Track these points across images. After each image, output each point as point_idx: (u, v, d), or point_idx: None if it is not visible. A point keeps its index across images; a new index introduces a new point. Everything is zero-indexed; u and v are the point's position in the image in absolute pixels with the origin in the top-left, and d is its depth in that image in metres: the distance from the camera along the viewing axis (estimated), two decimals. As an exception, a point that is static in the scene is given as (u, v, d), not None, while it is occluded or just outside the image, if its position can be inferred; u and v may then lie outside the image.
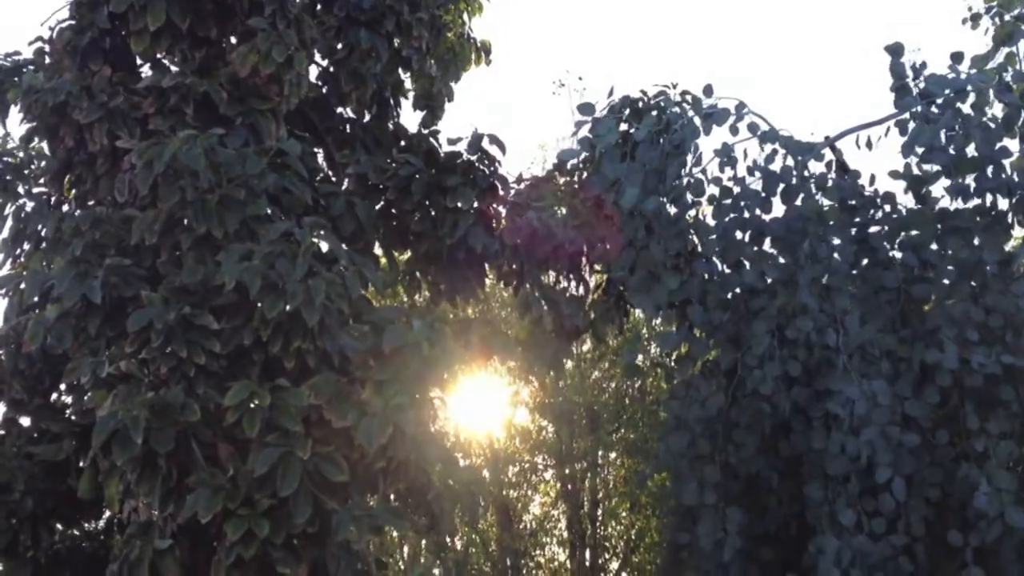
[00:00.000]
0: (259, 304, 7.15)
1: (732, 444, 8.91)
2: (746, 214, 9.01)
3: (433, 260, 9.86)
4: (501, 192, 9.89)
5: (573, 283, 10.37)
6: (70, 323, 7.41)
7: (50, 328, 7.41)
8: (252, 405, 6.93)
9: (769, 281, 9.06)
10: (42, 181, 9.24)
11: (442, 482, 7.21)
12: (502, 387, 19.14)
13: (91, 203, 8.45)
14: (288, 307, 7.01)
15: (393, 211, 9.83)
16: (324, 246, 7.78)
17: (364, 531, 6.75)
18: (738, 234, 9.07)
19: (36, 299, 7.78)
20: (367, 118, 10.34)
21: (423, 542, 19.49)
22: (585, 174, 10.30)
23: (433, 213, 9.63)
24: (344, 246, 8.91)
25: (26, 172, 9.15)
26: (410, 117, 10.83)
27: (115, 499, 7.31)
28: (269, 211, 7.72)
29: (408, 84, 10.70)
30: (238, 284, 7.14)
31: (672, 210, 9.05)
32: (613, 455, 19.36)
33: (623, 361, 9.88)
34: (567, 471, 18.95)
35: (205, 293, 7.41)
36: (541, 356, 10.34)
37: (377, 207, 9.74)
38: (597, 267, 10.58)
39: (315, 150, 9.66)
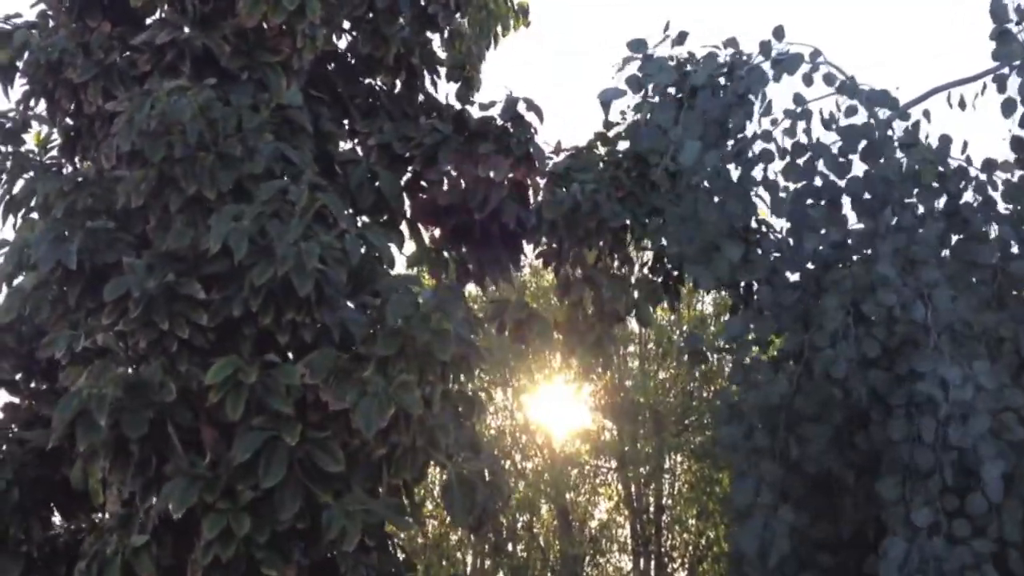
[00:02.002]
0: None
1: (795, 437, 7.80)
2: (818, 180, 7.91)
3: (462, 237, 8.95)
4: (538, 162, 8.97)
5: (617, 262, 9.40)
6: (48, 293, 6.65)
7: (26, 298, 6.66)
8: (238, 383, 6.06)
9: (844, 251, 7.95)
10: (54, 150, 8.52)
11: (454, 473, 6.25)
12: (562, 384, 18.23)
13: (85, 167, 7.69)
14: (278, 273, 6.14)
15: (419, 183, 8.95)
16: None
17: (357, 528, 5.85)
18: (810, 201, 7.97)
19: (12, 269, 7.01)
20: (397, 88, 9.46)
21: (485, 547, 18.62)
22: (627, 143, 9.26)
23: (463, 185, 8.73)
24: (363, 218, 8.11)
25: (23, 136, 8.39)
26: (445, 92, 9.92)
27: (98, 489, 6.54)
28: (272, 171, 6.87)
29: (440, 54, 9.80)
30: (227, 249, 6.30)
31: (735, 169, 7.97)
32: (679, 458, 18.30)
33: (687, 347, 8.81)
34: (630, 475, 17.93)
35: (195, 260, 6.59)
36: (582, 342, 9.35)
37: (402, 180, 8.89)
38: (645, 243, 9.56)
39: (338, 120, 8.80)
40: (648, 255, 9.61)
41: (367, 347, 6.38)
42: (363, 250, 6.61)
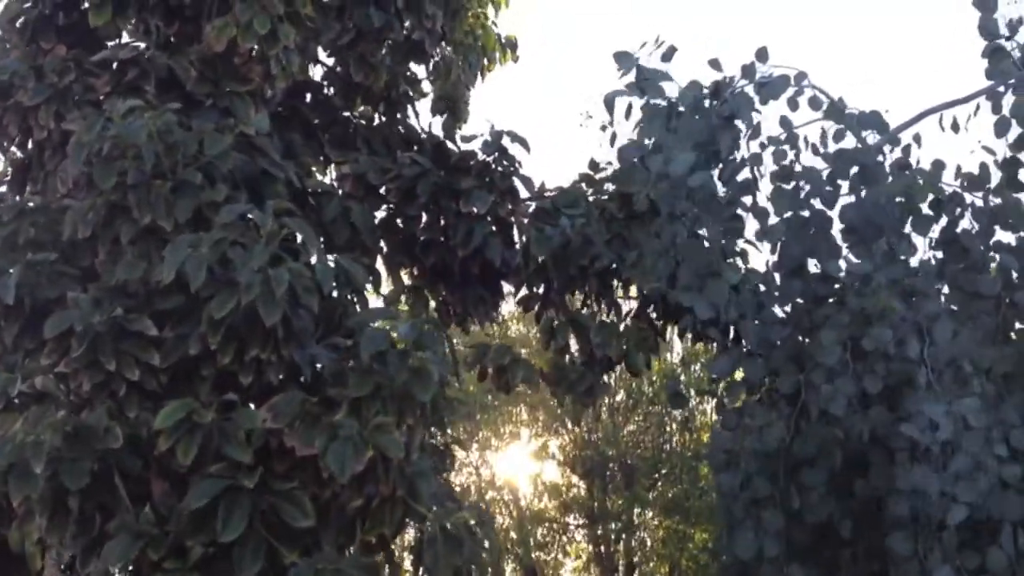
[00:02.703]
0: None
1: (796, 484, 7.06)
2: (806, 211, 7.27)
3: (443, 275, 8.24)
4: (524, 196, 8.29)
5: (604, 307, 8.69)
6: (-18, 332, 5.82)
7: (-41, 338, 5.84)
8: (192, 427, 5.25)
9: (837, 287, 7.28)
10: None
11: (437, 525, 5.44)
12: (528, 438, 17.43)
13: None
14: (242, 303, 5.36)
15: (397, 220, 8.24)
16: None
17: None
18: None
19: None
20: (376, 121, 8.78)
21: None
22: (614, 180, 8.59)
23: (443, 220, 8.03)
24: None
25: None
26: (429, 123, 9.26)
27: (35, 553, 5.65)
28: (234, 200, 6.11)
29: (425, 86, 9.16)
30: (182, 282, 5.53)
31: (723, 193, 7.31)
32: (650, 514, 17.47)
33: (666, 391, 8.06)
34: (600, 531, 17.08)
35: (147, 295, 5.82)
36: (572, 391, 8.59)
37: (379, 215, 8.18)
38: (631, 290, 8.85)
39: (312, 152, 8.09)
40: (634, 303, 8.90)
41: (339, 389, 5.59)
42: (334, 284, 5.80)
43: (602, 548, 17.21)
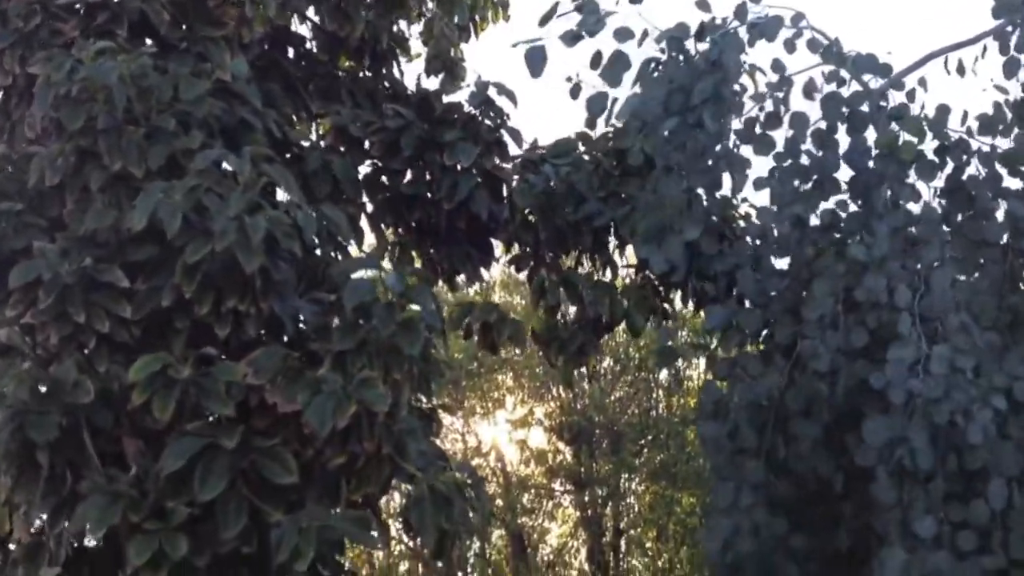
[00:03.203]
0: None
1: (785, 437, 6.82)
2: (805, 158, 6.97)
3: (428, 232, 7.92)
4: (514, 154, 7.98)
5: (599, 266, 8.38)
6: (-56, 285, 5.48)
7: (-80, 292, 5.49)
8: (168, 381, 4.95)
9: (838, 236, 7.01)
10: None
11: (425, 485, 5.16)
12: (513, 404, 17.18)
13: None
14: (217, 249, 5.05)
15: (380, 175, 7.92)
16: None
17: (311, 546, 4.74)
18: (796, 181, 7.02)
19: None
20: (361, 76, 8.42)
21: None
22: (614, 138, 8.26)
23: (428, 175, 7.71)
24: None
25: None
26: (421, 81, 8.89)
27: (2, 515, 5.35)
28: (210, 147, 5.77)
29: (416, 46, 8.80)
30: (155, 231, 5.21)
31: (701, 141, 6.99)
32: (637, 480, 17.27)
33: (656, 345, 7.76)
34: (587, 497, 16.87)
35: (119, 245, 5.49)
36: (563, 351, 8.30)
37: (363, 171, 7.85)
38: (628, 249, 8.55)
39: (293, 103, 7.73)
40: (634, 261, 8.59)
41: (322, 344, 5.29)
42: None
43: (589, 513, 17.01)
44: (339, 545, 4.99)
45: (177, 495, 4.82)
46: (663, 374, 17.72)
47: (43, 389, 4.98)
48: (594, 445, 16.98)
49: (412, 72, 8.96)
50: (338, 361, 5.17)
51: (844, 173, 7.13)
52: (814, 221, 7.27)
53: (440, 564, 17.22)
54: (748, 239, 7.39)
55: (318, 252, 5.90)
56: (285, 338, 5.49)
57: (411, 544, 17.14)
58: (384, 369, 5.22)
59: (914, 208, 6.87)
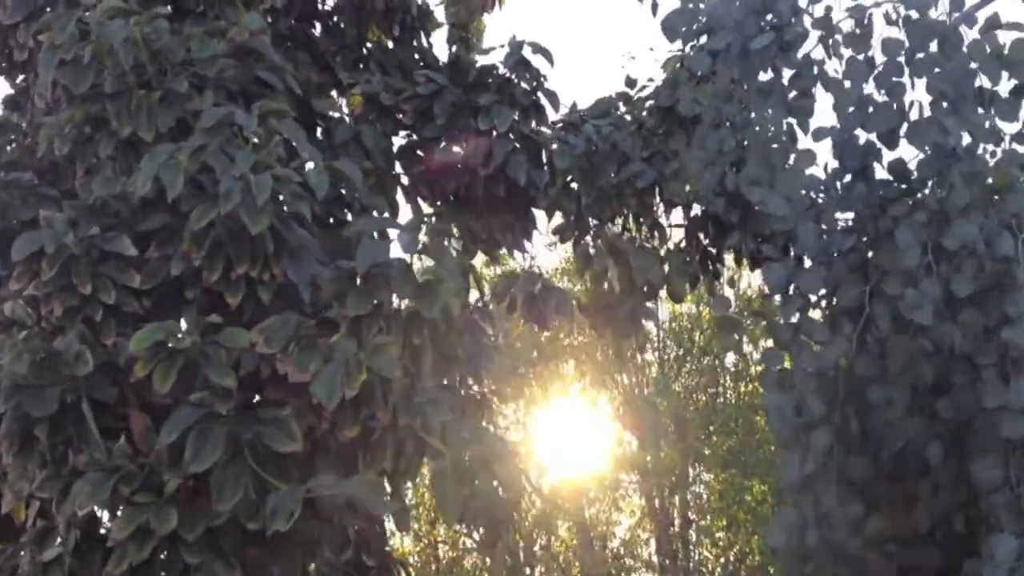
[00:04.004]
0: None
1: (856, 408, 6.24)
2: (877, 92, 6.36)
3: (466, 201, 7.55)
4: (552, 119, 7.58)
5: (646, 231, 7.95)
6: (-49, 259, 5.26)
7: (-73, 267, 5.29)
8: (172, 352, 4.65)
9: (905, 187, 6.44)
10: None
11: (449, 459, 4.80)
12: (576, 393, 16.77)
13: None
14: (222, 212, 4.74)
15: (414, 147, 7.57)
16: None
17: (297, 504, 4.39)
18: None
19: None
20: (390, 47, 8.11)
21: (503, 572, 17.06)
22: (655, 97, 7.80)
23: (464, 142, 7.35)
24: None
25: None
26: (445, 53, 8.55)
27: (19, 504, 5.09)
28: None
29: (440, 15, 8.47)
30: (164, 195, 4.92)
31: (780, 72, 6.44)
32: (704, 467, 16.76)
33: (714, 312, 7.23)
34: (654, 487, 16.41)
35: (129, 215, 5.21)
36: (612, 319, 7.85)
37: (396, 143, 7.51)
38: (673, 213, 8.10)
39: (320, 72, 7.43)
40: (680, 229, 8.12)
41: (339, 310, 4.94)
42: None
43: (656, 503, 16.55)
44: (346, 509, 4.60)
45: (174, 468, 4.52)
46: (729, 359, 17.20)
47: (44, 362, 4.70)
48: (660, 433, 16.52)
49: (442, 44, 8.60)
50: (353, 327, 4.83)
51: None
52: (880, 174, 6.72)
53: (508, 559, 16.88)
54: (808, 193, 6.85)
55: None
56: (303, 307, 5.15)
57: (475, 539, 16.84)
58: (403, 335, 4.85)
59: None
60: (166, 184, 4.82)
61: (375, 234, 5.10)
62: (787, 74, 6.66)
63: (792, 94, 6.67)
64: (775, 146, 6.72)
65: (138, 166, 5.14)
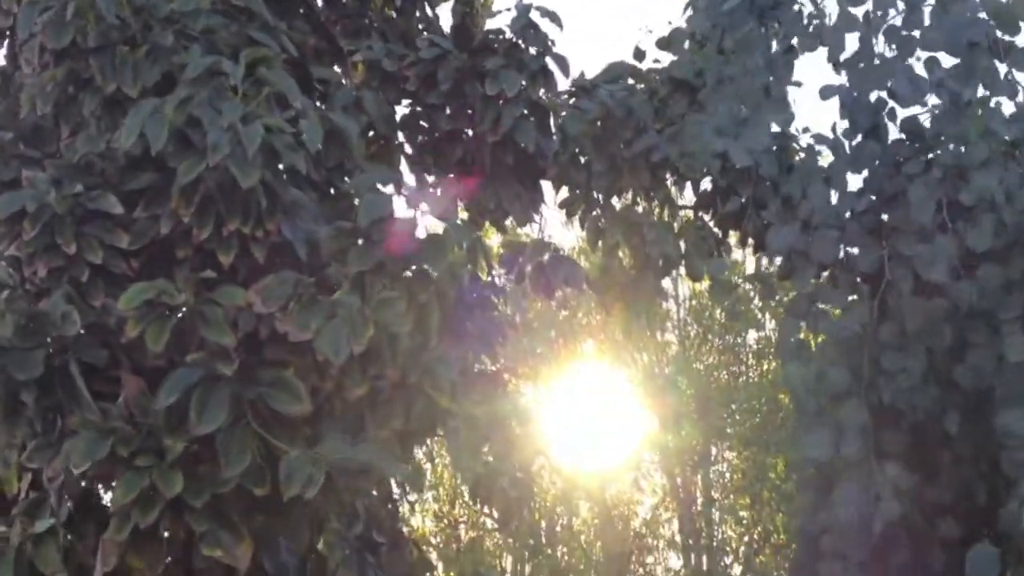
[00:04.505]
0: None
1: (884, 374, 5.93)
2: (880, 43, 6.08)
3: (472, 170, 7.27)
4: (559, 80, 7.29)
5: (657, 205, 7.65)
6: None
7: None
8: (165, 310, 4.41)
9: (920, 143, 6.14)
10: None
11: (461, 417, 4.54)
12: (594, 371, 16.48)
13: None
14: (210, 165, 4.48)
15: (418, 117, 7.30)
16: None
17: (321, 472, 4.14)
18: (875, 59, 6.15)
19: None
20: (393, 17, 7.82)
21: (525, 553, 16.85)
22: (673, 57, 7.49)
23: (469, 109, 7.08)
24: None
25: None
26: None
27: (12, 476, 4.86)
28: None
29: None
30: (150, 153, 4.68)
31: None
32: (727, 446, 16.47)
33: (710, 275, 6.89)
34: (676, 465, 16.12)
35: (117, 174, 4.97)
36: (624, 296, 7.56)
37: (399, 112, 7.24)
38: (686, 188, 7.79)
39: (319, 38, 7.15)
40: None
41: (339, 268, 4.69)
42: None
43: (678, 482, 16.26)
44: (360, 475, 4.34)
45: (176, 431, 4.27)
46: (751, 336, 16.91)
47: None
48: (681, 411, 16.24)
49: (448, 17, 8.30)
50: (356, 284, 4.57)
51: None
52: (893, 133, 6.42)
53: (531, 541, 16.65)
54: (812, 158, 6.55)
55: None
56: (299, 266, 4.90)
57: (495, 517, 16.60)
58: (408, 292, 4.59)
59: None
60: (150, 137, 4.57)
61: (377, 188, 4.82)
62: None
63: (774, 48, 6.41)
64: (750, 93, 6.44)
65: (124, 123, 4.90)
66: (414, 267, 4.71)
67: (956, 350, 5.88)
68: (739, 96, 6.21)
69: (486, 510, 16.05)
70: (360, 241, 4.67)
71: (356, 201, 5.24)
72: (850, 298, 6.15)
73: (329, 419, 4.56)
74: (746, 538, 15.97)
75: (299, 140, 4.71)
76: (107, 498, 4.81)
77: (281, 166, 4.77)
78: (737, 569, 16.47)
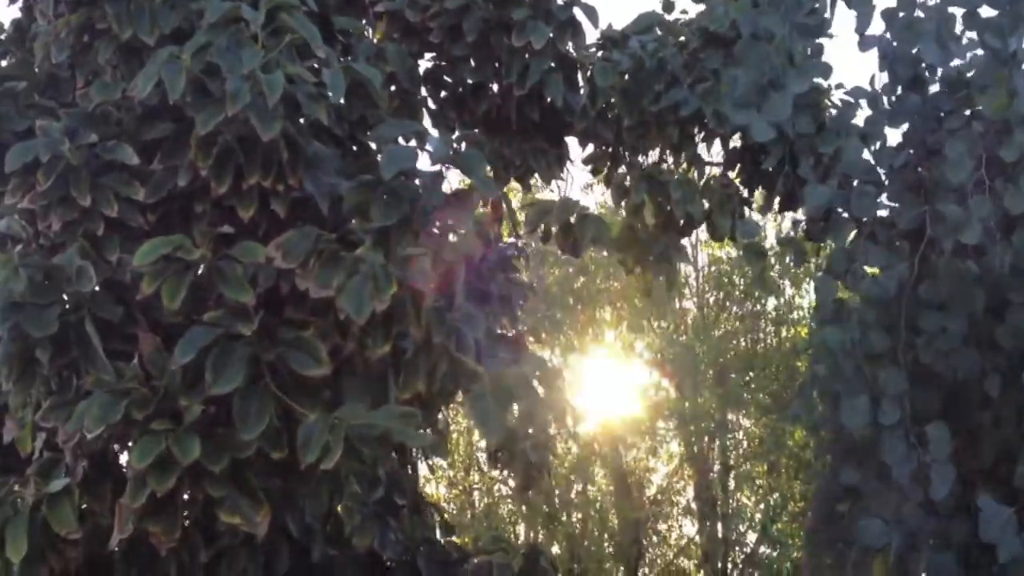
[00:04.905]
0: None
1: (922, 335, 5.76)
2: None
3: (497, 125, 7.07)
4: (586, 28, 7.07)
5: (685, 163, 7.45)
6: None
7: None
8: (182, 266, 4.25)
9: (964, 95, 5.92)
10: None
11: (487, 379, 4.38)
12: (613, 337, 16.33)
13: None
14: (229, 114, 4.31)
15: (442, 72, 7.09)
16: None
17: (339, 440, 3.99)
18: (918, 13, 5.93)
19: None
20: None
21: (538, 519, 16.77)
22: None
23: (495, 62, 6.86)
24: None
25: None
26: None
27: (27, 437, 4.72)
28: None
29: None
30: (171, 107, 4.50)
31: None
32: (743, 414, 16.30)
33: (743, 238, 6.70)
34: (692, 431, 15.98)
35: (134, 125, 4.79)
36: (643, 257, 7.38)
37: (423, 67, 7.04)
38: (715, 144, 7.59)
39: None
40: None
41: (361, 223, 4.51)
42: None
43: (695, 449, 16.13)
44: (381, 443, 4.19)
45: (190, 393, 4.12)
46: (771, 303, 16.69)
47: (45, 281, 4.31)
48: (699, 379, 16.07)
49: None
50: (379, 240, 4.40)
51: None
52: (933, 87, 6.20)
53: (546, 508, 16.57)
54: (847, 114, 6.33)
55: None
56: (321, 222, 4.72)
57: (511, 485, 16.52)
58: (433, 247, 4.42)
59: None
60: (167, 85, 4.39)
61: (400, 140, 4.64)
62: None
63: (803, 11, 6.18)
64: (773, 63, 6.23)
65: (140, 71, 4.72)
66: (439, 223, 4.55)
67: (996, 313, 5.71)
68: (775, 52, 5.98)
69: (501, 476, 16.04)
70: (384, 195, 4.50)
71: (379, 156, 5.09)
72: (889, 257, 5.98)
73: (350, 381, 4.40)
74: (762, 505, 15.84)
75: (321, 91, 4.52)
76: (124, 457, 4.70)
77: (302, 119, 4.57)
78: (752, 536, 16.36)
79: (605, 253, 15.00)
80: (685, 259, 7.78)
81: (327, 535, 5.41)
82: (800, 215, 6.73)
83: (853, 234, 6.17)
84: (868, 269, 6.05)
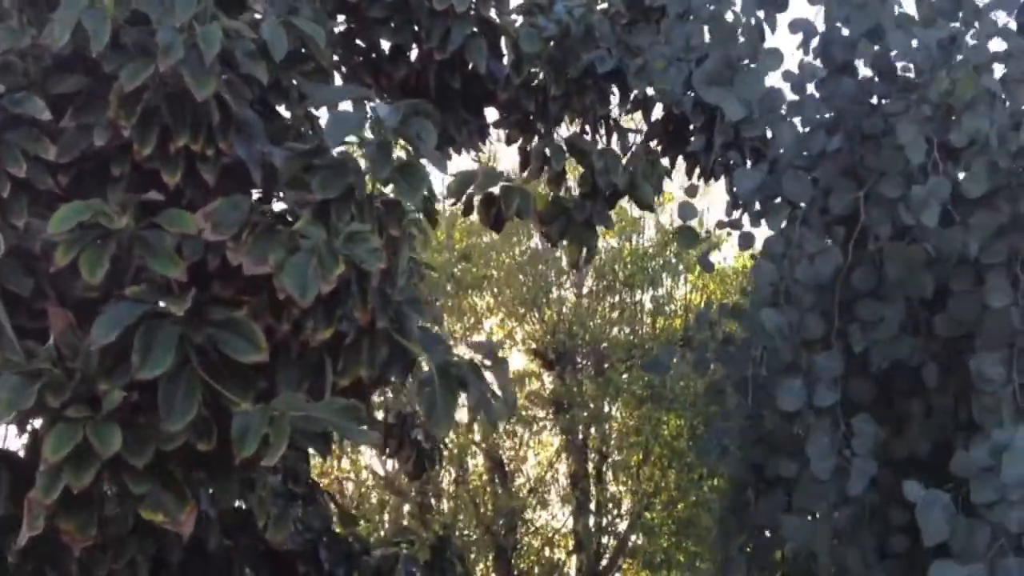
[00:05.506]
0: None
1: (858, 323, 5.75)
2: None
3: (416, 93, 6.76)
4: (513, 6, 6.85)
5: (604, 133, 7.35)
6: None
7: None
8: (102, 234, 3.84)
9: (901, 84, 5.93)
10: None
11: (433, 364, 4.12)
12: (492, 326, 16.20)
13: None
14: (160, 70, 3.91)
15: (356, 36, 6.75)
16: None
17: (284, 436, 3.67)
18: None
19: None
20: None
21: (406, 506, 16.52)
22: None
23: (415, 25, 6.56)
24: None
25: None
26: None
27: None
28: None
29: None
30: (86, 58, 4.07)
31: None
32: (620, 402, 16.36)
33: (680, 219, 6.62)
34: (570, 420, 15.96)
35: (43, 76, 4.32)
36: (568, 226, 7.20)
37: (336, 27, 6.68)
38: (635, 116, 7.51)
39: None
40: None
41: (299, 193, 4.18)
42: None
43: (571, 437, 16.12)
44: (319, 438, 3.90)
45: (111, 377, 3.72)
46: (647, 296, 16.82)
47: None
48: (578, 367, 16.07)
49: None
50: (319, 214, 4.07)
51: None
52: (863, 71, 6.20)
53: (415, 493, 16.34)
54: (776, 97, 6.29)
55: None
56: (252, 190, 4.37)
57: (383, 473, 16.23)
58: (378, 223, 4.12)
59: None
60: (91, 34, 3.95)
61: (339, 107, 4.32)
62: None
63: None
64: (741, 41, 6.20)
65: (51, 17, 4.26)
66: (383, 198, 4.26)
67: (934, 301, 5.75)
68: (724, 40, 5.88)
69: (368, 465, 15.71)
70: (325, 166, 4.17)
71: (311, 122, 4.76)
72: (825, 242, 5.95)
73: (284, 367, 4.06)
74: (637, 493, 15.96)
75: (262, 48, 4.15)
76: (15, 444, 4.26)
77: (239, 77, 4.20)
78: (623, 526, 16.49)
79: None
80: (610, 224, 7.64)
81: (223, 525, 5.09)
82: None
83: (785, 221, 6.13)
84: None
